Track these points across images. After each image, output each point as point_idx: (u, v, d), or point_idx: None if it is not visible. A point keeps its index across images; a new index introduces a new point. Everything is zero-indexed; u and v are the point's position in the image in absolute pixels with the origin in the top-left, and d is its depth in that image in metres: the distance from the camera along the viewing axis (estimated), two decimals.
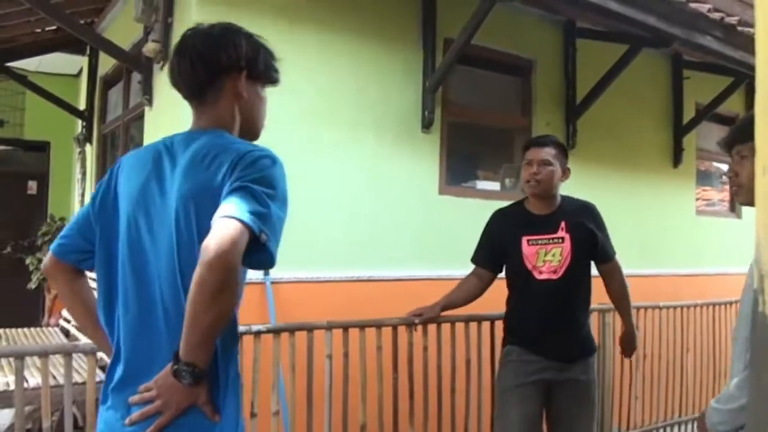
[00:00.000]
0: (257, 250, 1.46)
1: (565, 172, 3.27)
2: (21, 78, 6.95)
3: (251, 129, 1.81)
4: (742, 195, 2.07)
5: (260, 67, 1.78)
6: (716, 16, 4.95)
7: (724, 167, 7.04)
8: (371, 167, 4.51)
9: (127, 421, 1.53)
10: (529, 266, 3.18)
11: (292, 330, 3.19)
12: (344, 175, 4.40)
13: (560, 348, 3.19)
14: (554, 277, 3.16)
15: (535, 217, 3.26)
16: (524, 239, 3.20)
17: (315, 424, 3.19)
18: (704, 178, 6.96)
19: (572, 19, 5.49)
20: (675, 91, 6.41)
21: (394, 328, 3.47)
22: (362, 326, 3.37)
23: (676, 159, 6.37)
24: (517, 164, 5.36)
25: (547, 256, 3.17)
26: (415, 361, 3.50)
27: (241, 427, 1.67)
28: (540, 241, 3.19)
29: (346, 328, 3.32)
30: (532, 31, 5.42)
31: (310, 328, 3.22)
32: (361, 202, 4.46)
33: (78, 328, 5.14)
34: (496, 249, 3.33)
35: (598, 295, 3.49)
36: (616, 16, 4.52)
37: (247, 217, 1.43)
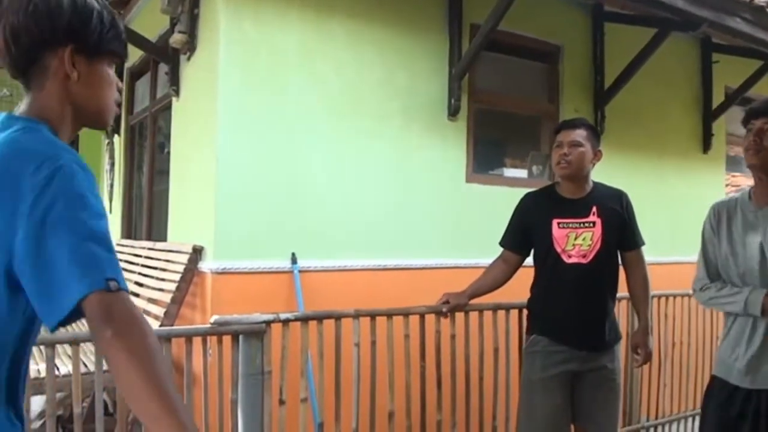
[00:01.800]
0: None
1: (597, 154, 3.23)
2: None
3: (92, 117, 1.45)
4: (760, 158, 2.53)
5: (93, 38, 1.37)
6: None
7: None
8: (398, 156, 4.51)
9: None
10: (559, 249, 3.14)
11: (320, 318, 3.19)
12: (371, 164, 4.40)
13: (588, 336, 3.15)
14: (584, 261, 3.12)
15: (567, 200, 3.22)
16: (555, 222, 3.16)
17: (343, 412, 3.20)
18: (734, 163, 6.84)
19: (600, 2, 5.43)
20: (704, 76, 6.32)
21: (422, 316, 3.46)
22: (390, 314, 3.37)
23: (706, 144, 6.29)
24: (545, 152, 5.34)
25: (577, 240, 3.13)
26: (443, 349, 3.50)
27: None
28: (571, 225, 3.15)
29: (373, 316, 3.32)
30: (559, 15, 5.37)
31: (337, 317, 3.23)
32: (388, 190, 4.46)
33: None
34: (525, 231, 3.30)
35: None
36: None
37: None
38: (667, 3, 4.47)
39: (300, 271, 4.06)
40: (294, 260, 4.06)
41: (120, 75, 6.59)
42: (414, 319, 3.44)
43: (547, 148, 5.35)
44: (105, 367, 2.86)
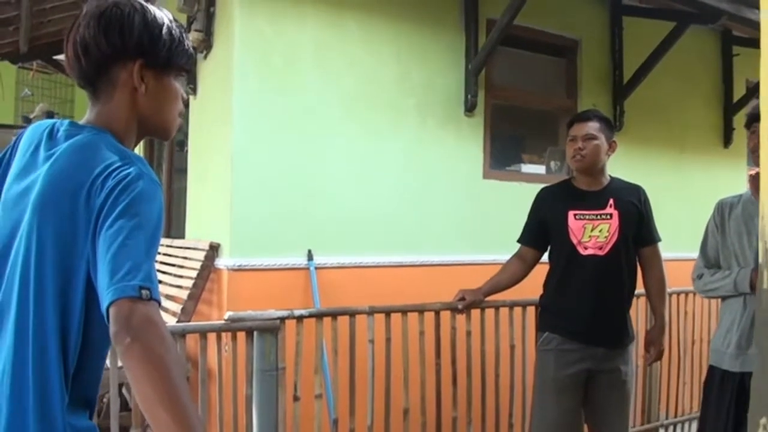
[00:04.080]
0: None
1: (611, 146, 3.20)
2: None
3: (156, 129, 1.49)
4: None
5: (162, 54, 1.40)
6: None
7: None
8: (414, 152, 4.49)
9: None
10: (575, 241, 3.11)
11: (334, 314, 3.20)
12: (387, 160, 4.39)
13: (602, 332, 3.10)
14: (600, 253, 3.08)
15: (583, 192, 3.20)
16: (571, 213, 3.14)
17: (357, 408, 3.20)
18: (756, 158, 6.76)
19: None
20: (724, 69, 6.23)
21: (437, 312, 3.45)
22: (404, 311, 3.36)
23: (727, 139, 6.21)
24: (563, 147, 5.30)
25: (593, 231, 3.09)
26: (458, 346, 3.48)
27: None
28: (587, 216, 3.12)
29: (388, 313, 3.31)
30: (576, 9, 5.32)
31: (352, 313, 3.23)
32: (405, 186, 4.45)
33: None
34: (542, 226, 3.27)
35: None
36: None
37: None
38: None
39: (316, 268, 4.06)
40: (310, 257, 4.06)
41: None
42: (429, 316, 3.43)
43: (565, 143, 5.31)
44: (120, 363, 2.89)
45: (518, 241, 3.40)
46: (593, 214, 3.13)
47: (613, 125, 3.30)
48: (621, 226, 3.10)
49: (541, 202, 3.34)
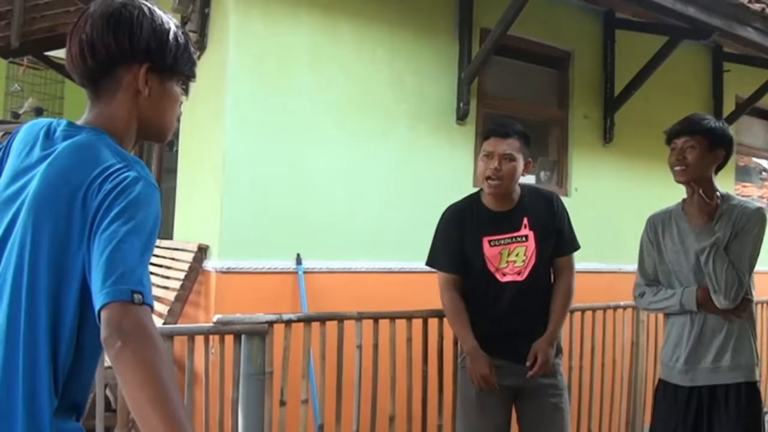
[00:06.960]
0: None
1: (527, 165, 2.98)
2: (60, 67, 7.05)
3: (154, 132, 1.50)
4: (687, 174, 2.75)
5: (168, 59, 1.42)
6: (757, 6, 4.86)
7: (765, 163, 6.91)
8: (405, 159, 4.50)
9: None
10: (492, 269, 2.94)
11: (322, 319, 3.18)
12: (378, 166, 4.40)
13: (524, 350, 2.91)
14: (519, 278, 2.92)
15: (495, 214, 2.99)
16: (485, 240, 2.95)
17: (344, 414, 3.19)
18: (744, 173, 6.81)
19: (611, 9, 5.42)
20: (715, 84, 6.28)
21: (425, 319, 3.44)
22: (393, 317, 3.36)
23: None
24: (553, 158, 5.33)
25: (510, 257, 2.93)
26: (446, 353, 3.48)
27: None
28: (502, 241, 2.94)
29: (376, 318, 3.30)
30: (570, 21, 5.35)
31: (340, 318, 3.22)
32: (395, 193, 4.46)
33: None
34: (460, 251, 3.02)
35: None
36: (656, 7, 4.46)
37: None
38: (678, 11, 4.46)
39: (304, 272, 4.06)
40: (299, 261, 4.06)
41: None
42: (417, 323, 3.42)
43: (556, 153, 5.34)
44: (106, 363, 2.87)
45: (441, 269, 3.12)
46: (508, 238, 2.94)
47: (530, 141, 3.03)
48: (538, 247, 2.93)
49: (452, 226, 3.09)
